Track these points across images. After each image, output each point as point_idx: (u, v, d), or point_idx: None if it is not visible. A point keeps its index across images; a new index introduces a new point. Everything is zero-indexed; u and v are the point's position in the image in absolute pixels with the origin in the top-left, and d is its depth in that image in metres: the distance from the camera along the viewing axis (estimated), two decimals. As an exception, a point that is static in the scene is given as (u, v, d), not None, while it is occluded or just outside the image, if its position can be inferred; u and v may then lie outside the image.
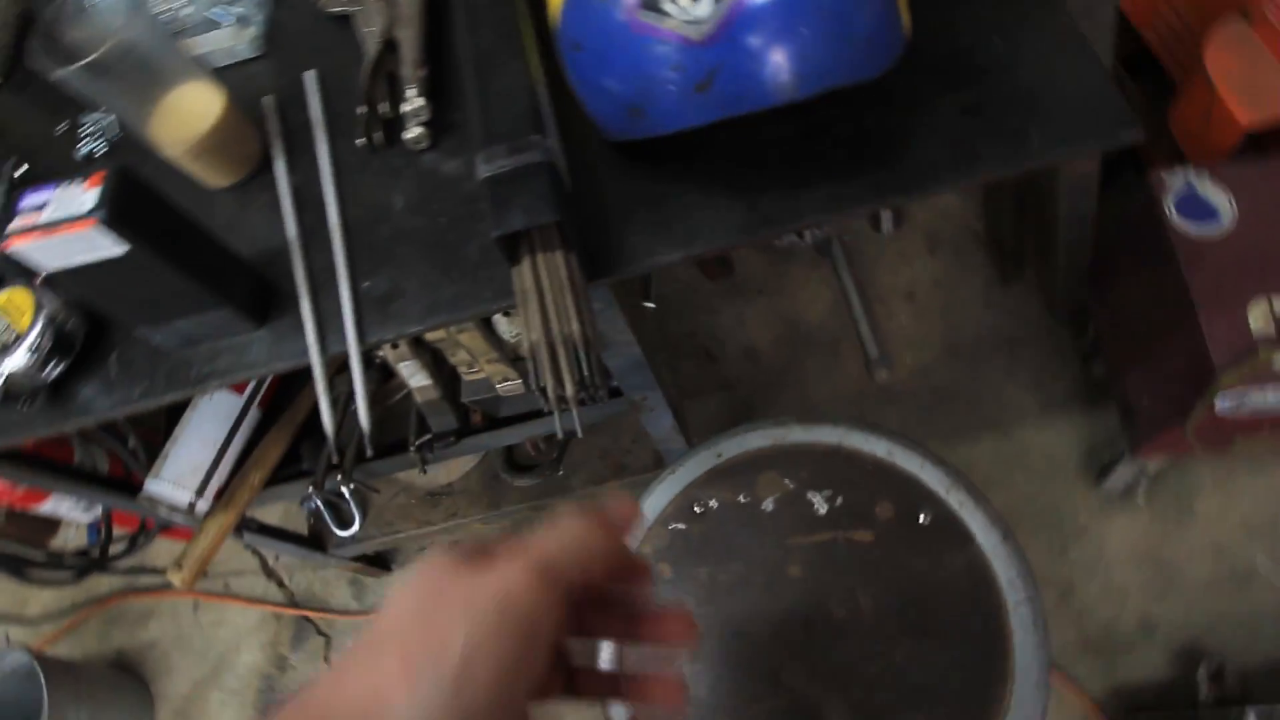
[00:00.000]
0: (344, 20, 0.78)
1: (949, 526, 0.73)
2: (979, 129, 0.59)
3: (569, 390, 0.49)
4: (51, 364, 0.66)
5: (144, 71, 0.64)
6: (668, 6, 0.46)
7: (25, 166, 0.72)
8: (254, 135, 0.73)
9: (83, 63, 0.58)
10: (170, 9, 0.78)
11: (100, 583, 1.73)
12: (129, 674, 1.60)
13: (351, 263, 0.66)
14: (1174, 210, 1.06)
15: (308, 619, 1.56)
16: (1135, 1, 1.37)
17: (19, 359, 0.64)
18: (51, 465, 0.92)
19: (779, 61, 0.47)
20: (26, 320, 0.65)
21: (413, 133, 0.67)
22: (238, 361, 0.65)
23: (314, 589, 1.59)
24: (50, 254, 0.55)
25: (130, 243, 0.54)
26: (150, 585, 1.68)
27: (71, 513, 1.42)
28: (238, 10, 0.81)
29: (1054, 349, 1.47)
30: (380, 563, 1.54)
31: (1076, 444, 1.38)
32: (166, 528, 1.34)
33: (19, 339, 0.65)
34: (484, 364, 0.81)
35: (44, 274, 0.56)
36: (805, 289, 1.65)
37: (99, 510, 1.41)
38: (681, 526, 0.77)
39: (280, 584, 1.61)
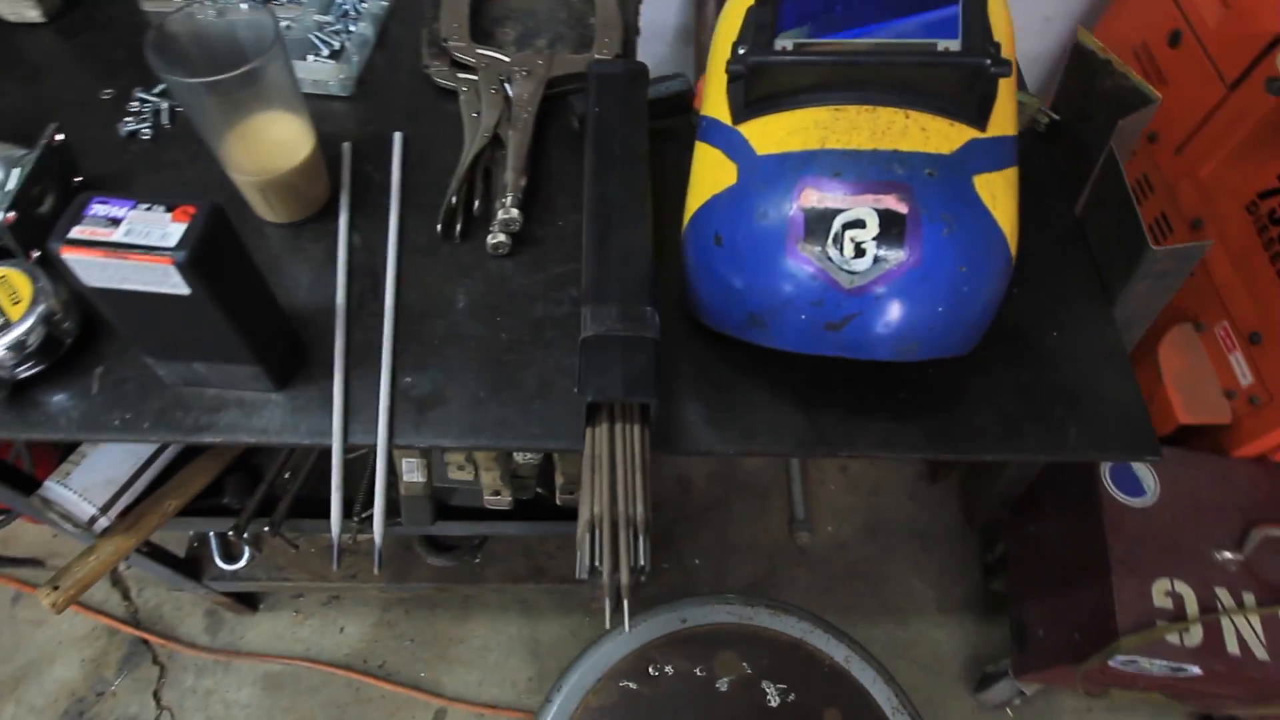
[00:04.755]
0: (448, 93, 0.77)
1: (890, 752, 0.74)
2: (1026, 410, 0.63)
3: (624, 578, 0.48)
4: (29, 364, 0.59)
5: (254, 95, 0.60)
6: (831, 251, 0.48)
7: (62, 136, 0.65)
8: (326, 179, 0.70)
9: (211, 79, 0.55)
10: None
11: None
12: (-94, 653, 1.38)
13: (396, 352, 0.63)
14: (1109, 474, 1.16)
15: (146, 642, 1.40)
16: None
17: (-3, 351, 0.57)
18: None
19: (908, 328, 0.50)
20: (19, 310, 0.58)
21: (497, 238, 0.66)
22: (244, 422, 0.60)
23: (164, 610, 1.44)
24: (102, 272, 0.50)
25: (196, 289, 0.50)
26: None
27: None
28: (337, 42, 0.79)
29: (960, 554, 1.55)
30: (248, 600, 1.41)
31: (964, 648, 1.45)
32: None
33: (5, 328, 0.58)
34: (483, 471, 0.77)
35: (81, 287, 0.51)
36: (750, 432, 1.69)
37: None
38: (633, 686, 0.75)
39: (126, 595, 1.45)
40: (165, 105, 0.75)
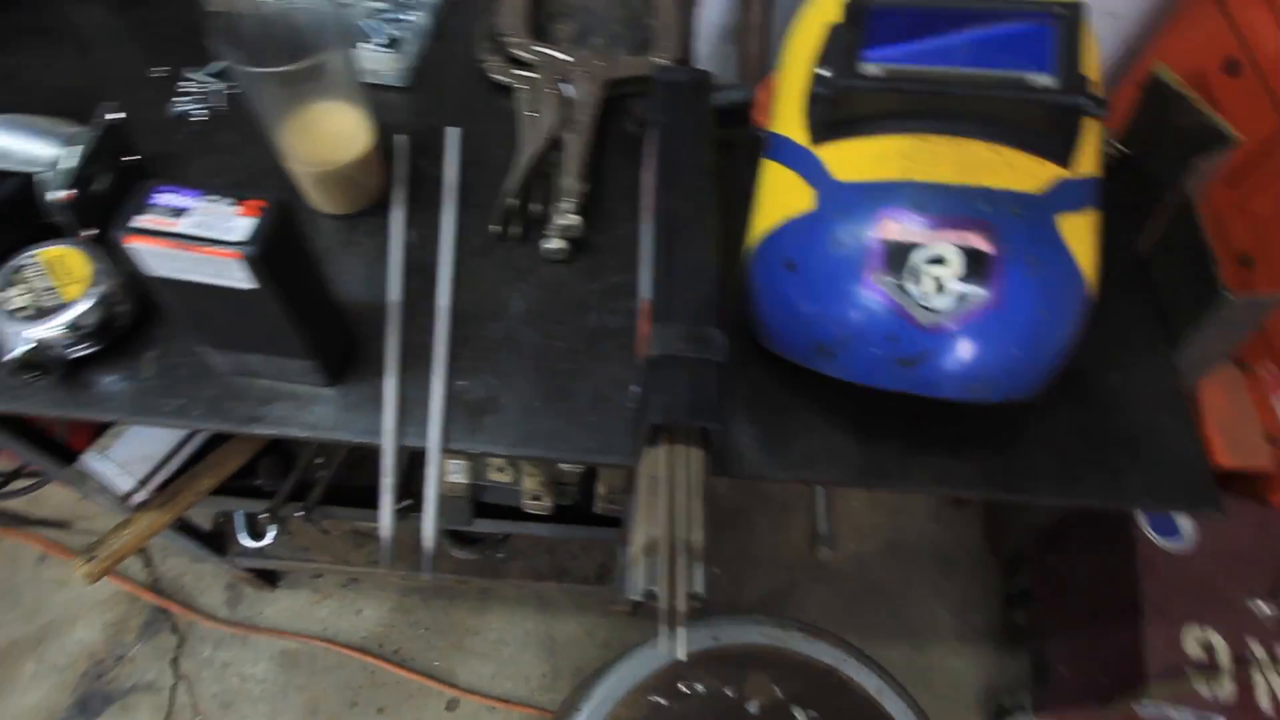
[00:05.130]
0: (502, 90, 0.76)
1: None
2: (1085, 454, 0.62)
3: (681, 605, 0.47)
4: (83, 345, 0.59)
5: (317, 86, 0.60)
6: (909, 285, 0.47)
7: (123, 114, 0.65)
8: (382, 172, 0.70)
9: (280, 70, 0.54)
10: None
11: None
12: (-68, 606, 1.40)
13: (451, 354, 0.62)
14: (1145, 514, 1.14)
15: (166, 611, 1.41)
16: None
17: (55, 330, 0.57)
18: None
19: (982, 369, 0.49)
20: (78, 290, 0.58)
21: (554, 243, 0.65)
22: (295, 415, 0.60)
23: (184, 580, 1.45)
24: (169, 263, 0.49)
25: (262, 284, 0.50)
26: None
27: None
28: (393, 31, 0.78)
29: (983, 582, 1.53)
30: (267, 576, 1.42)
31: (981, 678, 1.43)
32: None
33: (62, 307, 0.57)
34: (525, 476, 0.77)
35: (143, 275, 0.51)
36: (776, 441, 1.68)
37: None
38: (663, 702, 0.74)
39: (148, 563, 1.46)
40: (217, 87, 0.75)
